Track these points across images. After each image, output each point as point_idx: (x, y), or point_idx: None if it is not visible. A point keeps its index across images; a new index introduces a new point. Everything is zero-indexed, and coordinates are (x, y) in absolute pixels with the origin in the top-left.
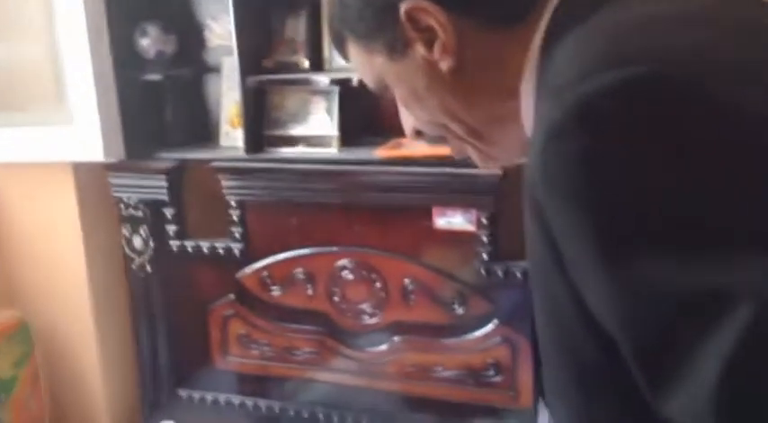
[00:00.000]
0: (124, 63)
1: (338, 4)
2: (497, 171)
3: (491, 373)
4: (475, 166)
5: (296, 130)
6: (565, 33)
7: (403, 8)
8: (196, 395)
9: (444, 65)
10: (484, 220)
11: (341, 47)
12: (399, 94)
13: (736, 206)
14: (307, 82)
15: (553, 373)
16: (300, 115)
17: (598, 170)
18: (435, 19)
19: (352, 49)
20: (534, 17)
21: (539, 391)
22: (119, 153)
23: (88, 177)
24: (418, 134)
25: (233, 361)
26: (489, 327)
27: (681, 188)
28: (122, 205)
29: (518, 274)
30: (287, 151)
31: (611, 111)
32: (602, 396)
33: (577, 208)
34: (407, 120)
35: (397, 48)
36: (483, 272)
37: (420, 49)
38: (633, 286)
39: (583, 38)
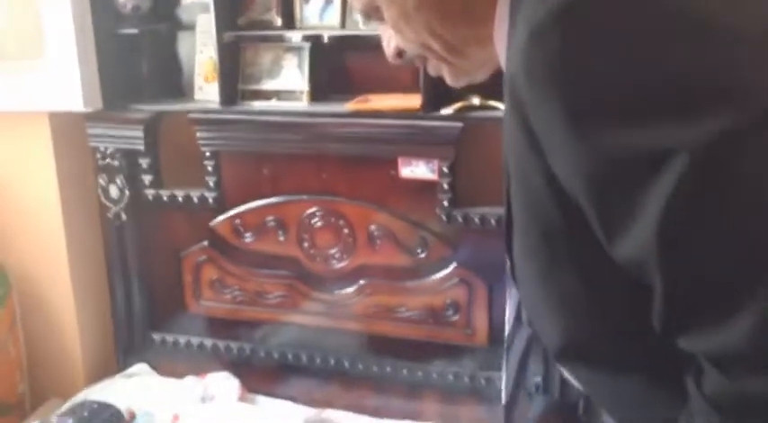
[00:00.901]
0: (101, 16)
1: None
2: (458, 123)
3: (450, 312)
4: (437, 120)
5: (269, 85)
6: None
7: None
8: (169, 338)
9: None
10: (445, 170)
11: None
12: (389, 15)
13: (682, 80)
14: (279, 39)
15: (524, 239)
16: (273, 70)
17: (573, 59)
18: None
19: None
20: None
21: (510, 269)
22: (96, 103)
23: (64, 127)
24: (399, 55)
25: (206, 305)
26: (449, 269)
27: (639, 68)
28: (99, 155)
29: (476, 220)
30: (260, 104)
31: (586, 11)
32: (565, 255)
33: (555, 92)
34: (389, 43)
35: None
36: (444, 218)
37: None
38: (599, 150)
39: None
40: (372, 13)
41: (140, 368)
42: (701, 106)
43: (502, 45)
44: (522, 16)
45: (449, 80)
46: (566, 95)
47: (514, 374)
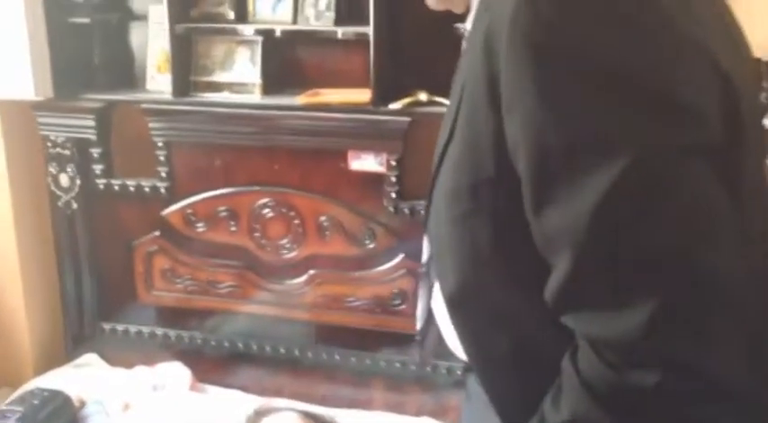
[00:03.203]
0: (53, 4)
1: None
2: (406, 118)
3: (397, 302)
4: (386, 114)
5: (221, 77)
6: None
7: None
8: (119, 328)
9: None
10: (393, 163)
11: None
12: None
13: (664, 86)
14: (232, 32)
15: (454, 182)
16: (226, 63)
17: (566, 33)
18: None
19: None
20: None
21: (426, 211)
22: (47, 92)
23: (15, 115)
24: None
25: (157, 295)
26: (396, 260)
27: (629, 59)
28: (50, 143)
29: (422, 212)
30: (212, 96)
31: None
32: (486, 208)
33: (538, 57)
34: None
35: None
36: (391, 209)
37: None
38: (560, 124)
39: None
40: None
41: (90, 358)
42: (671, 116)
43: None
44: None
45: (430, 2)
46: (547, 64)
47: (426, 304)
